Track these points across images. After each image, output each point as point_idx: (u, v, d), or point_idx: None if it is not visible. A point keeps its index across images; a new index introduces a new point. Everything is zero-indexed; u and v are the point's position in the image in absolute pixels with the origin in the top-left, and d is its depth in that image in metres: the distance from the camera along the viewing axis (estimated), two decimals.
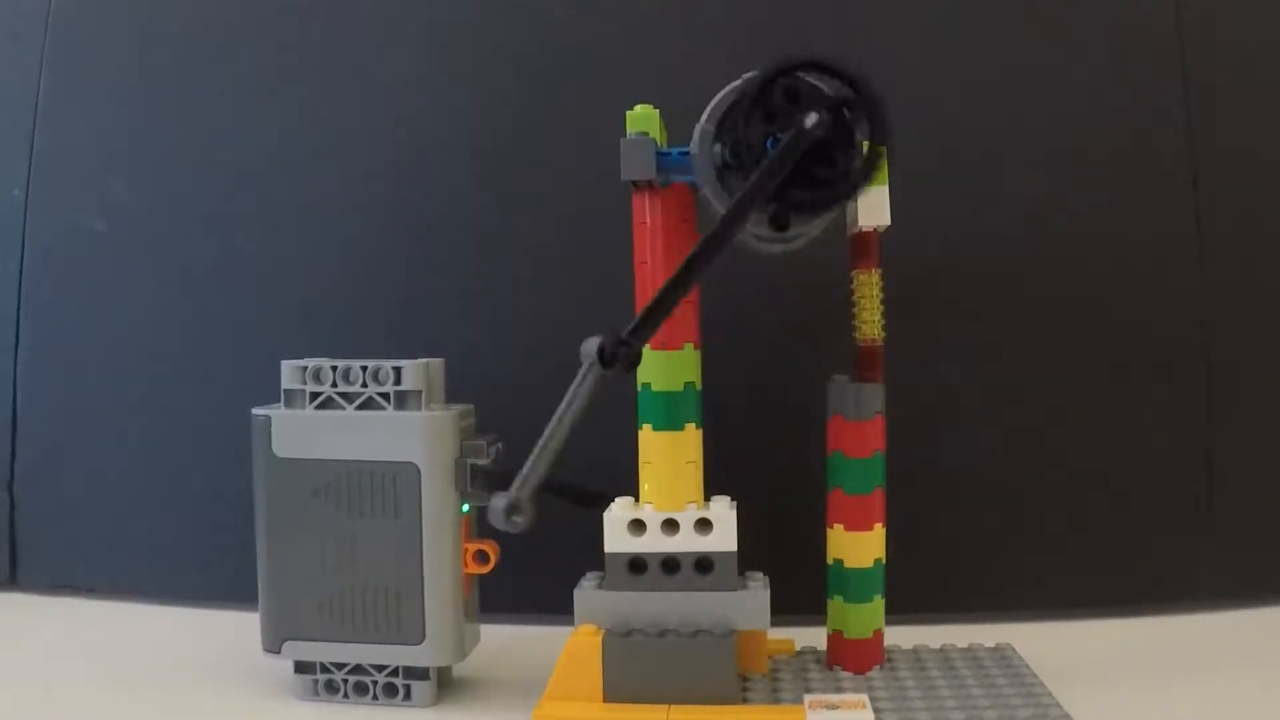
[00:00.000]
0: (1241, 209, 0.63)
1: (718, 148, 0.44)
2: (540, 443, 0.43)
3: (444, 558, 0.49)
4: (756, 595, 0.47)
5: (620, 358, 0.42)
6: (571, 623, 0.48)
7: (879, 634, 0.51)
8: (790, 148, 0.42)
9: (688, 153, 0.45)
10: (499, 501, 0.43)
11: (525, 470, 0.43)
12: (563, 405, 0.43)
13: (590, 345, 0.42)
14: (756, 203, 0.43)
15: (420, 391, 0.49)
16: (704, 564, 0.47)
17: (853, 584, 0.50)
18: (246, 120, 0.67)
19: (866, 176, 0.43)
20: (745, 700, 0.47)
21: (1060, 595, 0.61)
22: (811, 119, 0.42)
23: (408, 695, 0.50)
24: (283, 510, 0.50)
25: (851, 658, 0.50)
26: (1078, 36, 0.63)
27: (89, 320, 0.69)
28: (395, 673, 0.50)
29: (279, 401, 0.50)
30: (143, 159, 0.68)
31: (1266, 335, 0.63)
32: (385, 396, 0.49)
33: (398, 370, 0.49)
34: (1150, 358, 0.62)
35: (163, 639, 0.60)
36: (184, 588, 0.66)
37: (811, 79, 0.43)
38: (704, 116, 0.45)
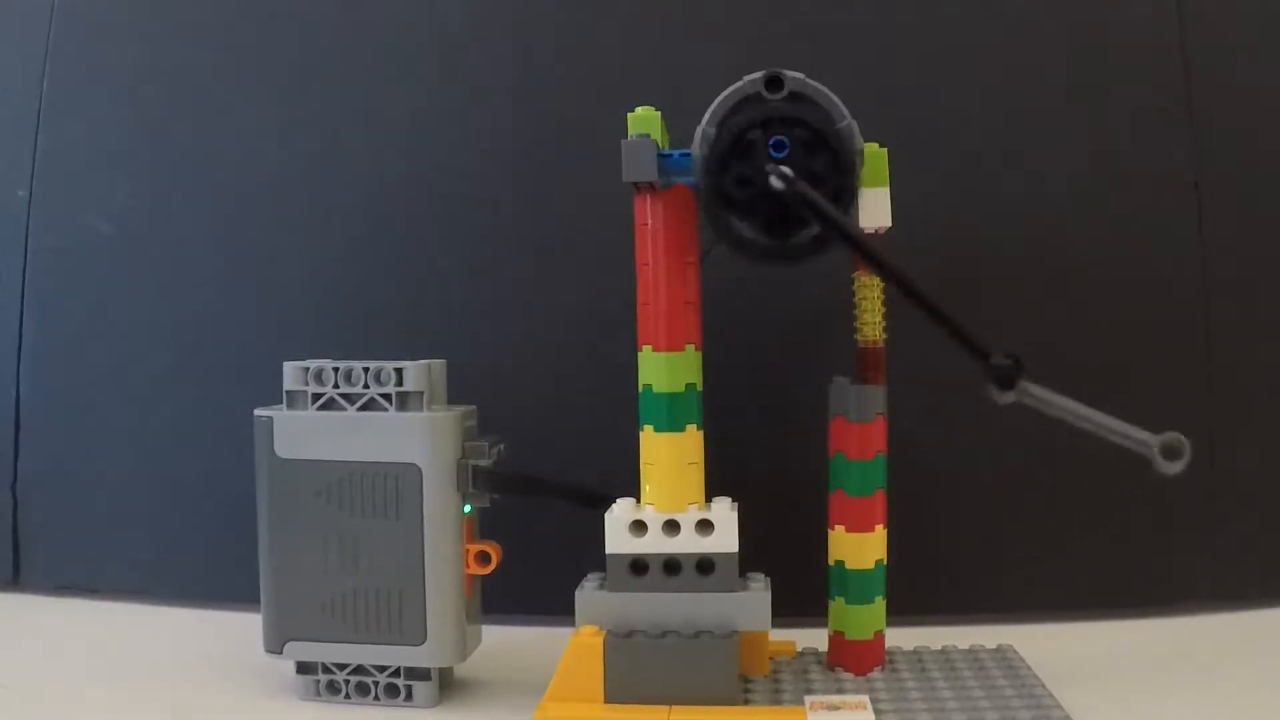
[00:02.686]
0: (1243, 210, 0.63)
1: None
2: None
3: (446, 558, 0.49)
4: (758, 596, 0.47)
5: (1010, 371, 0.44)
6: (573, 624, 0.48)
7: (880, 635, 0.51)
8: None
9: (689, 154, 0.45)
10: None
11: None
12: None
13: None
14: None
15: (422, 393, 0.49)
16: (705, 565, 0.47)
17: (854, 585, 0.50)
18: (249, 121, 0.67)
19: (814, 250, 0.44)
20: (747, 701, 0.47)
21: (1062, 596, 0.61)
22: (776, 184, 0.42)
23: (409, 696, 0.50)
24: (285, 511, 0.50)
25: (853, 659, 0.50)
26: (1078, 36, 0.63)
27: (92, 320, 0.69)
28: (397, 673, 0.50)
29: (281, 402, 0.51)
30: (146, 159, 0.68)
31: (1268, 336, 0.63)
32: (387, 398, 0.49)
33: (400, 371, 0.49)
34: (1150, 357, 0.62)
35: (165, 639, 0.60)
36: (186, 588, 0.66)
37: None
38: (705, 118, 0.45)
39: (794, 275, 0.58)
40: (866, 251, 0.44)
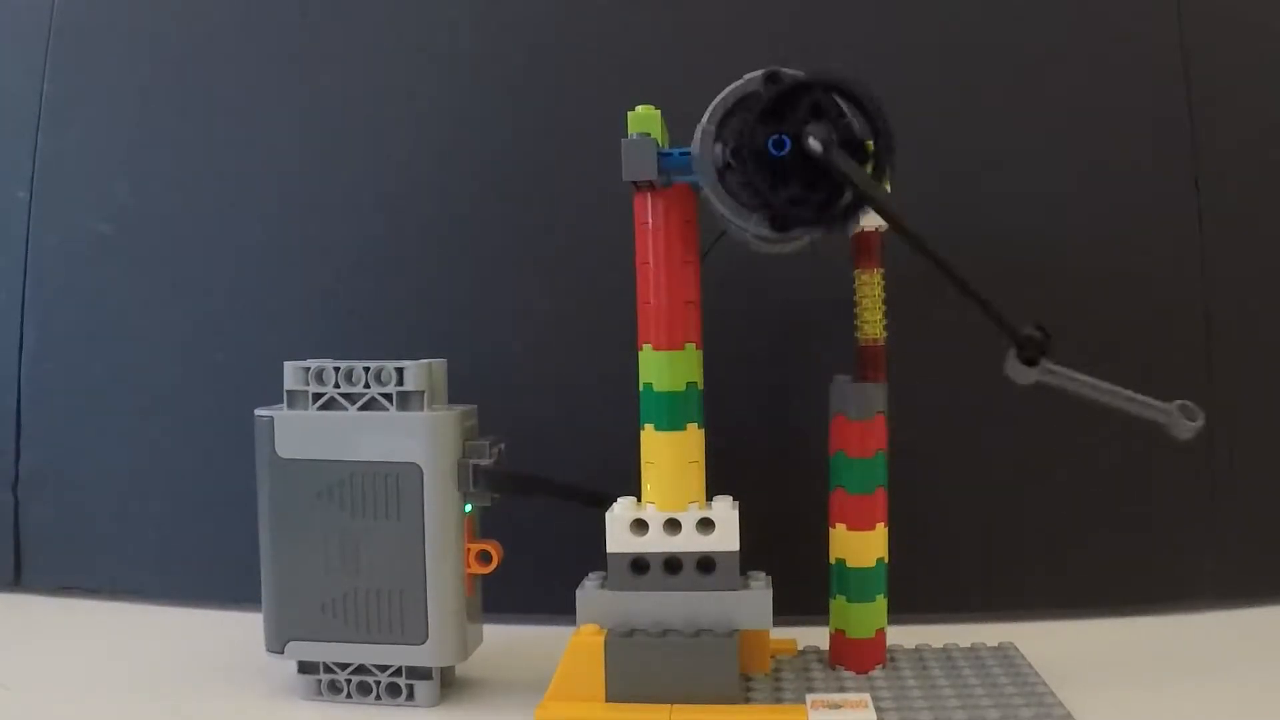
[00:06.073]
0: (1242, 209, 0.63)
1: (719, 148, 0.44)
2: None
3: (447, 558, 0.49)
4: (759, 595, 0.47)
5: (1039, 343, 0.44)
6: (574, 623, 0.48)
7: (881, 634, 0.51)
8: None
9: (689, 153, 0.45)
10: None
11: None
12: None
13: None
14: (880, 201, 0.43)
15: (423, 392, 0.49)
16: (706, 564, 0.47)
17: (855, 584, 0.50)
18: (249, 123, 0.67)
19: (863, 203, 0.43)
20: (748, 700, 0.47)
21: (1063, 595, 0.61)
22: (815, 142, 0.42)
23: (411, 695, 0.50)
24: (286, 511, 0.50)
25: (854, 657, 0.51)
26: (1078, 37, 0.63)
27: (92, 321, 0.69)
28: (398, 673, 0.50)
29: (282, 402, 0.51)
30: (146, 161, 0.68)
31: (1268, 335, 0.63)
32: (388, 397, 0.49)
33: (400, 371, 0.49)
34: (1150, 358, 0.62)
35: (167, 640, 0.60)
36: (188, 589, 0.66)
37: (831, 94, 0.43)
38: (705, 117, 0.45)
39: (793, 275, 0.58)
40: (897, 223, 0.44)
